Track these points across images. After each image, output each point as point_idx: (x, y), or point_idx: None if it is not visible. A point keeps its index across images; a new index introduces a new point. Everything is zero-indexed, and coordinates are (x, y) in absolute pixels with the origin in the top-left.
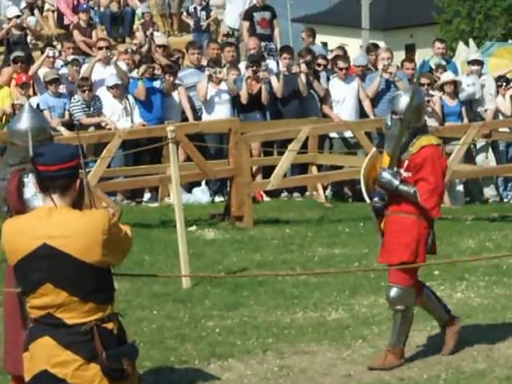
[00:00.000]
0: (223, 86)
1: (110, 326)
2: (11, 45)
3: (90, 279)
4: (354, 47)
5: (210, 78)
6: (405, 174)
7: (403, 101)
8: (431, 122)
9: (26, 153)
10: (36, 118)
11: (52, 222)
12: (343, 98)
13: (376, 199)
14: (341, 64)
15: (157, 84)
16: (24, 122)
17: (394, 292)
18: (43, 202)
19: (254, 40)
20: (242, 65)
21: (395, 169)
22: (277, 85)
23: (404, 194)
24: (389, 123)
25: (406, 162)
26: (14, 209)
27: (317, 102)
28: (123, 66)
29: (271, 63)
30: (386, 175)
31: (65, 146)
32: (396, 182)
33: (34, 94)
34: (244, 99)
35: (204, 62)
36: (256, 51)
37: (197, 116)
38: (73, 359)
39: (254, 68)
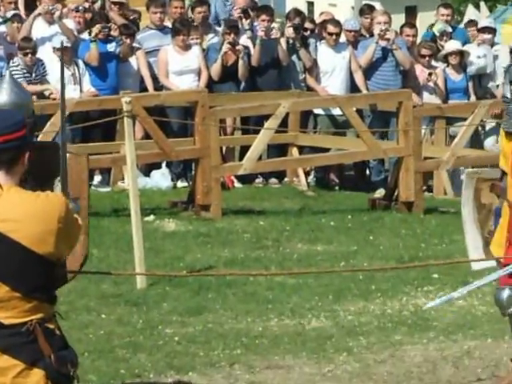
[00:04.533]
0: (190, 52)
1: (51, 325)
2: None
3: (36, 273)
4: (345, 8)
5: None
6: None
7: None
8: (432, 99)
9: None
10: (16, 92)
11: None
12: (332, 69)
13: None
14: (331, 28)
15: (111, 47)
16: (4, 96)
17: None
18: None
19: None
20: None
21: None
22: (252, 51)
23: None
24: (508, 95)
25: None
26: None
27: (299, 73)
28: (71, 24)
29: None
30: None
31: (9, 113)
32: None
33: None
34: (216, 75)
35: (167, 23)
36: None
37: (158, 86)
38: (12, 365)
39: (232, 36)
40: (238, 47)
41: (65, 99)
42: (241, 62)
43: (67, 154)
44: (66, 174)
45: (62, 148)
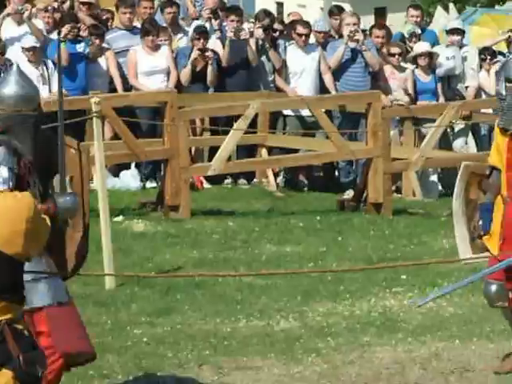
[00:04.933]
0: (159, 53)
1: (20, 326)
2: None
3: (5, 274)
4: (314, 9)
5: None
6: None
7: None
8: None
9: (3, 122)
10: (20, 85)
11: None
12: (301, 70)
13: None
14: (300, 29)
15: (80, 48)
16: (11, 88)
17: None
18: None
19: None
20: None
21: None
22: (222, 52)
23: None
24: (503, 92)
25: None
26: None
27: (268, 74)
28: (40, 24)
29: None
30: None
31: None
32: None
33: None
34: (185, 82)
35: (137, 23)
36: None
37: (127, 86)
38: None
39: (202, 42)
40: (207, 54)
41: (62, 96)
42: (210, 69)
43: (71, 150)
44: (64, 170)
45: (60, 143)
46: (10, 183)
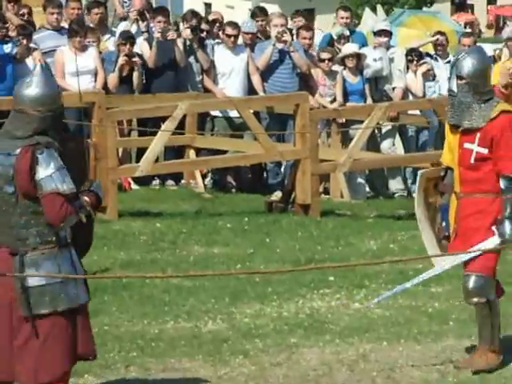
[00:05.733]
0: (87, 53)
1: None
2: None
3: None
4: (242, 10)
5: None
6: (479, 150)
7: (469, 63)
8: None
9: (39, 123)
10: (49, 84)
11: None
12: (230, 71)
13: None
14: (229, 30)
15: (8, 48)
16: (36, 88)
17: (473, 281)
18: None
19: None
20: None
21: None
22: (148, 53)
23: None
24: (455, 89)
25: (478, 135)
26: (22, 190)
27: (196, 75)
28: None
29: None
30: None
31: None
32: None
33: None
34: (112, 87)
35: (64, 24)
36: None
37: None
38: None
39: (128, 47)
40: (134, 59)
41: (81, 93)
42: (136, 74)
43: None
44: (89, 163)
45: (85, 137)
46: None
